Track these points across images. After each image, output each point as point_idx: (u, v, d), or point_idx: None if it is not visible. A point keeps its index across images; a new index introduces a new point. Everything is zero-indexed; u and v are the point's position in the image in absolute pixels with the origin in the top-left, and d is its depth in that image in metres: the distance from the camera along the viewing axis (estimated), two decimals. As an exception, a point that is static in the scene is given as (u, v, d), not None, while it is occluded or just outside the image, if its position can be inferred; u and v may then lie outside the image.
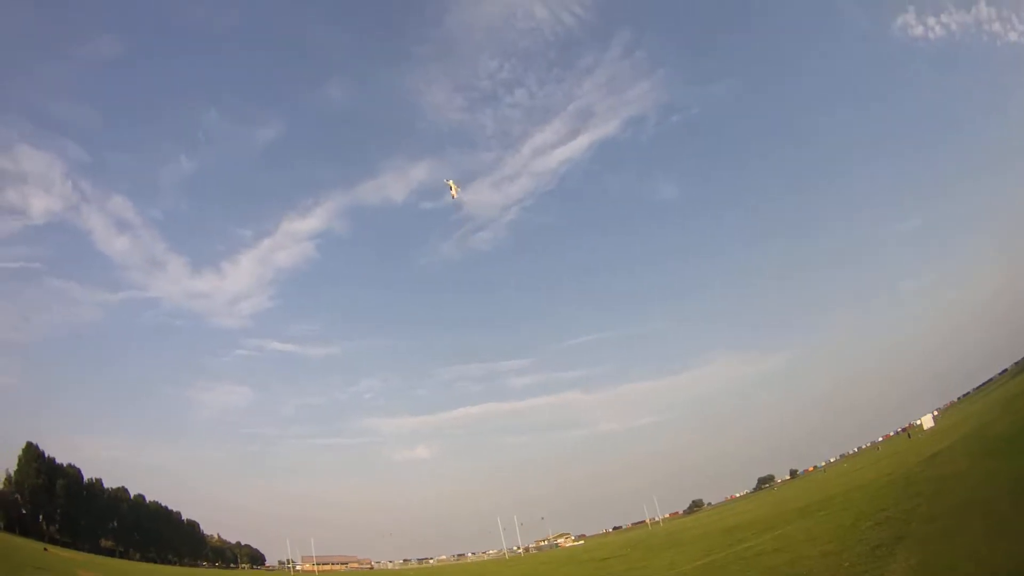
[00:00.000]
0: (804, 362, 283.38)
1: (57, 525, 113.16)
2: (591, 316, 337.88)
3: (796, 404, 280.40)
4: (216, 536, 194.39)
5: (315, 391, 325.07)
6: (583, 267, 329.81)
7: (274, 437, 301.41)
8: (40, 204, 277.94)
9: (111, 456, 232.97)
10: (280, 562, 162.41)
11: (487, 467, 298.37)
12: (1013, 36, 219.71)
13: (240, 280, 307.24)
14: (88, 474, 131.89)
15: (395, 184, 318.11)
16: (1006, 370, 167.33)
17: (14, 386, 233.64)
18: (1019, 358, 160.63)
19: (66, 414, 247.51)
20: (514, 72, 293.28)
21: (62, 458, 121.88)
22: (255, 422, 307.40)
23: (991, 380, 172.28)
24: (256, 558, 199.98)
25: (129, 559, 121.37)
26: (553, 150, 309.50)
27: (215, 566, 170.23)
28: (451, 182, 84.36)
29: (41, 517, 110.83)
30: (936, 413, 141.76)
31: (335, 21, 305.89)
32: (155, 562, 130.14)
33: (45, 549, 74.04)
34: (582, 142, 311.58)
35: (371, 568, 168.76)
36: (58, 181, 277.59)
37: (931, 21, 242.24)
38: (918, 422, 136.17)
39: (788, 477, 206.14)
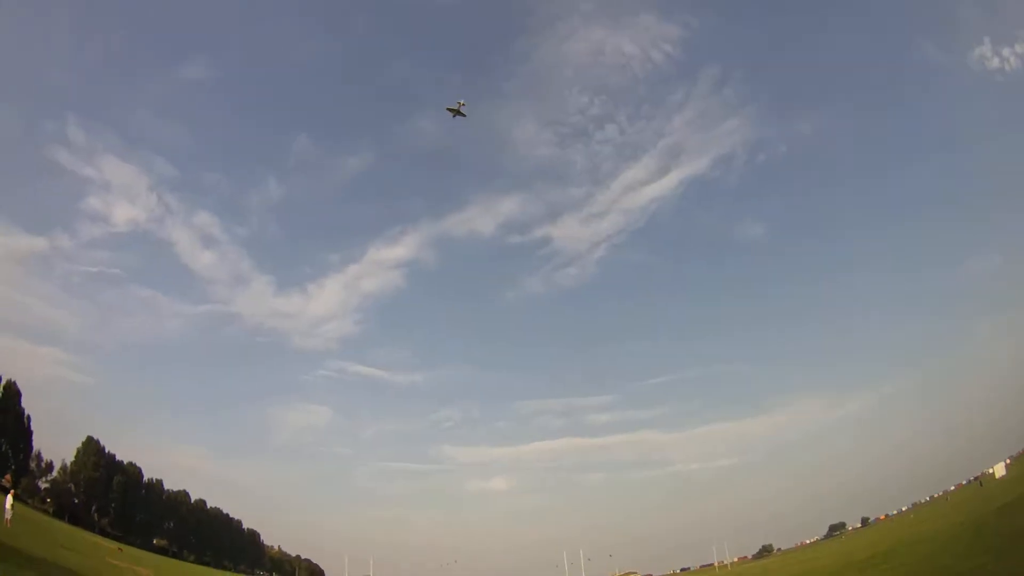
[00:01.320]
0: (880, 406, 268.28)
1: (109, 518, 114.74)
2: (674, 355, 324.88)
3: (871, 449, 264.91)
4: (277, 548, 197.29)
5: (395, 416, 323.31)
6: (668, 305, 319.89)
7: (350, 458, 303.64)
8: (123, 213, 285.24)
9: (184, 464, 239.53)
10: None
11: (561, 501, 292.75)
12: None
13: (325, 303, 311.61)
14: (163, 479, 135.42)
15: (483, 217, 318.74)
16: None
17: (89, 385, 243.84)
18: None
19: (139, 418, 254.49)
20: (604, 108, 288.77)
21: (131, 459, 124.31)
22: (332, 442, 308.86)
23: None
24: (315, 572, 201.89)
25: (182, 559, 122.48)
26: (643, 187, 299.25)
27: None
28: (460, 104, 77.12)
29: (94, 509, 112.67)
30: (1008, 461, 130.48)
31: (427, 57, 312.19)
32: (210, 566, 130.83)
33: (120, 549, 73.86)
34: (672, 179, 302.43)
35: None
36: (143, 193, 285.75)
37: (1006, 52, 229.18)
38: (990, 470, 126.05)
39: (860, 525, 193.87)
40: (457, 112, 75.46)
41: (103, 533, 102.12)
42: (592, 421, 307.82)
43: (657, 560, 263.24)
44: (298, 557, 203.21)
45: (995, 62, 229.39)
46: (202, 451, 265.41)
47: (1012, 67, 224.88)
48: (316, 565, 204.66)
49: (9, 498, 45.74)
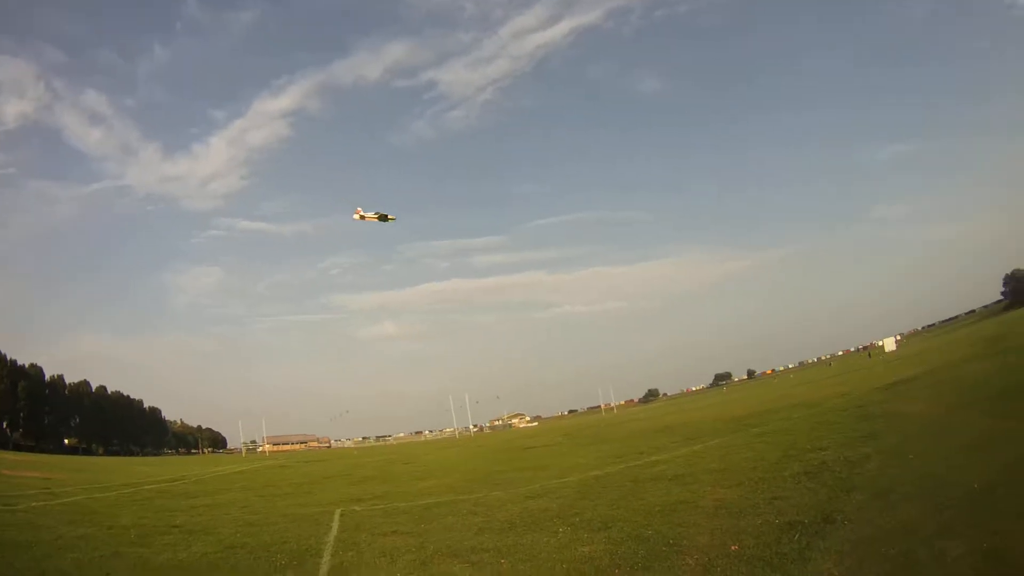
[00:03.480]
0: (774, 267, 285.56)
1: (21, 429, 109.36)
2: (564, 199, 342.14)
3: (762, 306, 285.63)
4: (179, 422, 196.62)
5: (284, 269, 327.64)
6: (558, 150, 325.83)
7: (243, 317, 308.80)
8: (12, 109, 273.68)
9: (87, 352, 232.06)
10: (244, 443, 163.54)
11: (449, 344, 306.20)
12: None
13: (212, 162, 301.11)
14: (71, 377, 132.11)
15: (370, 63, 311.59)
16: (974, 311, 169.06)
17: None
18: (990, 302, 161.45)
19: (42, 317, 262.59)
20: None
21: (34, 361, 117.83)
22: (225, 303, 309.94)
23: (956, 318, 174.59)
24: (217, 442, 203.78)
25: (92, 455, 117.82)
26: (532, 34, 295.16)
27: (178, 452, 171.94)
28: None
29: (5, 424, 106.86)
30: (899, 337, 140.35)
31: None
32: (118, 454, 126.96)
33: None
34: (562, 28, 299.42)
35: (328, 447, 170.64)
36: (31, 84, 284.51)
37: None
38: (879, 343, 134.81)
39: (745, 377, 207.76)
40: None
41: (17, 447, 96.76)
42: (479, 262, 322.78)
43: (545, 403, 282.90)
44: (199, 428, 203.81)
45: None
46: (103, 335, 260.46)
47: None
48: (218, 433, 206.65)
49: None
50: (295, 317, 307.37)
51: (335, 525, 18.73)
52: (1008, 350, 36.49)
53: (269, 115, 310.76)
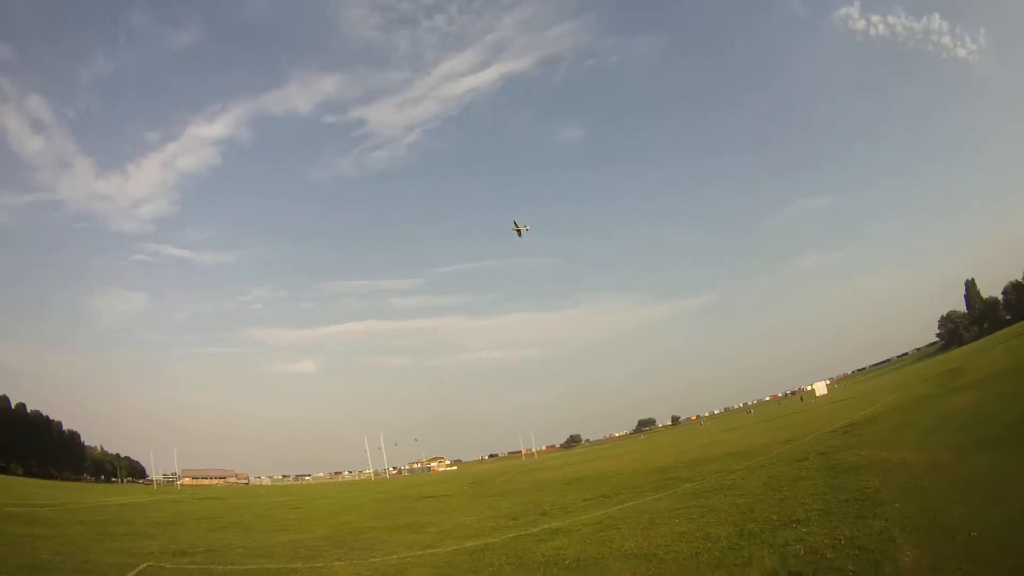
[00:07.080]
0: (696, 314, 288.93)
1: None
2: (481, 244, 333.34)
3: (684, 353, 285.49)
4: (99, 448, 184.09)
5: (206, 299, 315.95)
6: (476, 195, 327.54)
7: (163, 344, 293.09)
8: None
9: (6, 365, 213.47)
10: (164, 475, 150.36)
11: (368, 386, 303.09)
12: (961, 52, 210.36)
13: (143, 183, 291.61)
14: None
15: (301, 95, 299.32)
16: (906, 354, 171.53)
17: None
18: (923, 344, 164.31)
19: None
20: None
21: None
22: (147, 329, 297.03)
23: (888, 361, 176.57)
24: (136, 471, 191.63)
25: (11, 475, 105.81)
26: (462, 78, 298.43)
27: (97, 480, 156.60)
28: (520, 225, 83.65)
29: None
30: (829, 381, 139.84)
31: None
32: (36, 476, 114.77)
33: None
34: (492, 74, 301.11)
35: (247, 484, 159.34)
36: None
37: (875, 19, 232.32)
38: (809, 388, 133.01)
39: (669, 423, 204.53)
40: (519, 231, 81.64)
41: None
42: (397, 305, 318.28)
43: (466, 447, 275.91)
44: (118, 455, 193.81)
45: (860, 24, 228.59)
46: (22, 349, 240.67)
47: (879, 33, 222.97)
48: (136, 462, 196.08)
49: None
50: (214, 348, 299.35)
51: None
52: (974, 384, 31.60)
53: (201, 141, 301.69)
